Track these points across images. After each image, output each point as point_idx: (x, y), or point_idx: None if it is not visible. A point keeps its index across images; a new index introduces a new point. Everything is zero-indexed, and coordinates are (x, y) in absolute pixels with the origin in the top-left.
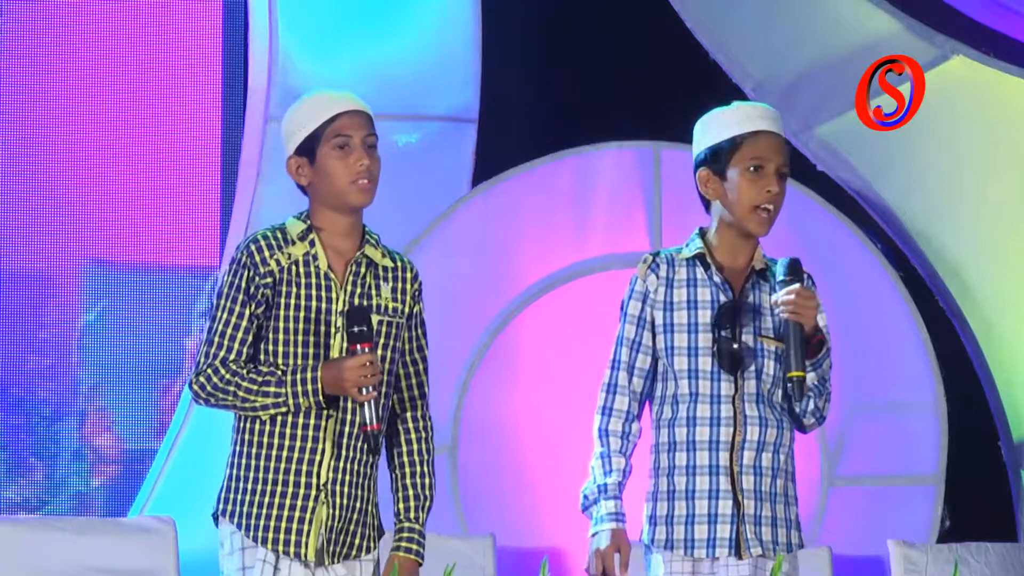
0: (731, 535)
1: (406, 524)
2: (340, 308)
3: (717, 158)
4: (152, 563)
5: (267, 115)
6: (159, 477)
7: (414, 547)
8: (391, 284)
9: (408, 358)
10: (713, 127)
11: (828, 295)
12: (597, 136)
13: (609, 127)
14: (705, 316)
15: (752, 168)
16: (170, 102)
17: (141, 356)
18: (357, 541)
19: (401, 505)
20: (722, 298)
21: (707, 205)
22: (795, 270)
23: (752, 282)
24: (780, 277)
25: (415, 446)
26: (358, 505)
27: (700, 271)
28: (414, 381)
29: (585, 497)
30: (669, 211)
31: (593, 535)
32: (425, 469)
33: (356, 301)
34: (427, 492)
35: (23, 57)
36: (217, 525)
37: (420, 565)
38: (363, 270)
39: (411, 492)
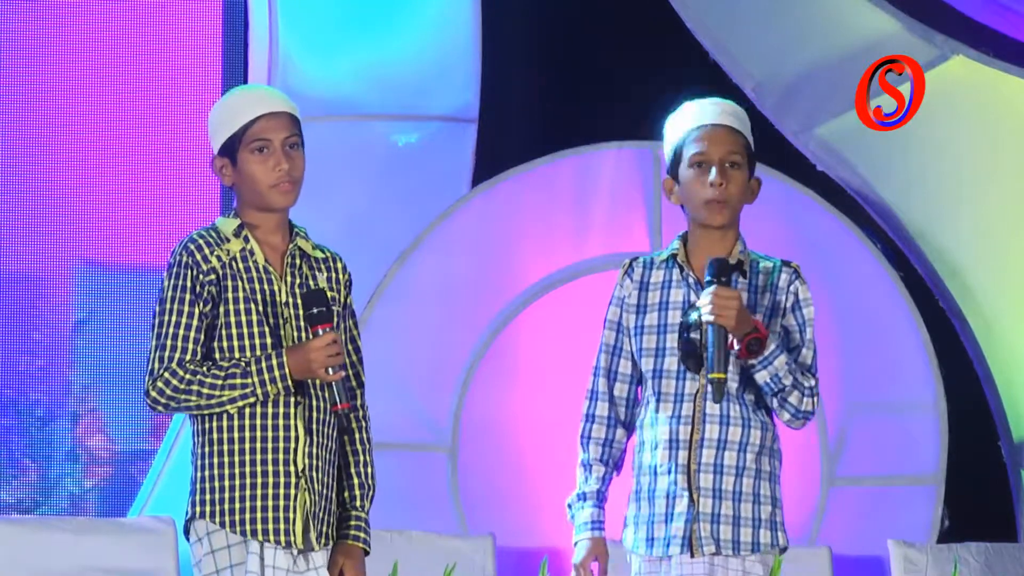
0: (685, 533)
1: (353, 513)
2: (283, 299)
3: (673, 165)
4: (152, 563)
5: None
6: (159, 477)
7: (362, 535)
8: (325, 274)
9: (343, 349)
10: (666, 135)
11: (828, 295)
12: (597, 136)
13: (609, 127)
14: (675, 317)
15: (697, 164)
16: (170, 102)
17: (134, 358)
18: (326, 529)
19: (347, 494)
20: (693, 298)
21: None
22: (718, 270)
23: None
24: (706, 278)
25: (357, 435)
26: (328, 493)
27: (676, 272)
28: (350, 372)
29: (569, 507)
30: (669, 211)
31: (575, 544)
32: (368, 458)
33: (297, 292)
34: (371, 481)
35: (21, 56)
36: (188, 532)
37: (367, 554)
38: (298, 261)
39: (356, 481)
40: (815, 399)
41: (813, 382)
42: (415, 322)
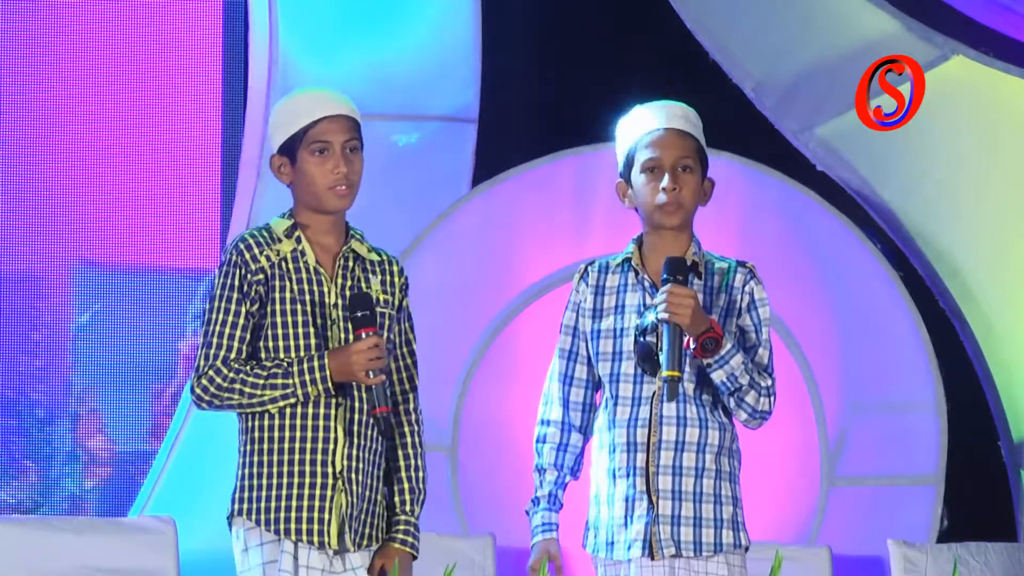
0: (644, 536)
1: (402, 517)
2: (332, 301)
3: (625, 168)
4: (152, 563)
5: (267, 115)
6: (159, 477)
7: (410, 539)
8: (379, 277)
9: (398, 352)
10: (618, 139)
11: (828, 295)
12: (597, 136)
13: (609, 127)
14: (631, 320)
15: (649, 170)
16: (170, 102)
17: (135, 358)
18: (367, 531)
19: (397, 498)
20: (649, 301)
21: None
22: (673, 269)
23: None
24: (663, 276)
25: (409, 439)
26: (369, 494)
27: (631, 276)
28: (404, 375)
29: (527, 512)
30: None
31: (531, 548)
32: (420, 463)
33: (346, 294)
34: (422, 485)
35: (20, 57)
36: (231, 527)
37: (415, 558)
38: (351, 264)
39: (407, 485)
40: (772, 399)
41: (770, 382)
42: (415, 322)
